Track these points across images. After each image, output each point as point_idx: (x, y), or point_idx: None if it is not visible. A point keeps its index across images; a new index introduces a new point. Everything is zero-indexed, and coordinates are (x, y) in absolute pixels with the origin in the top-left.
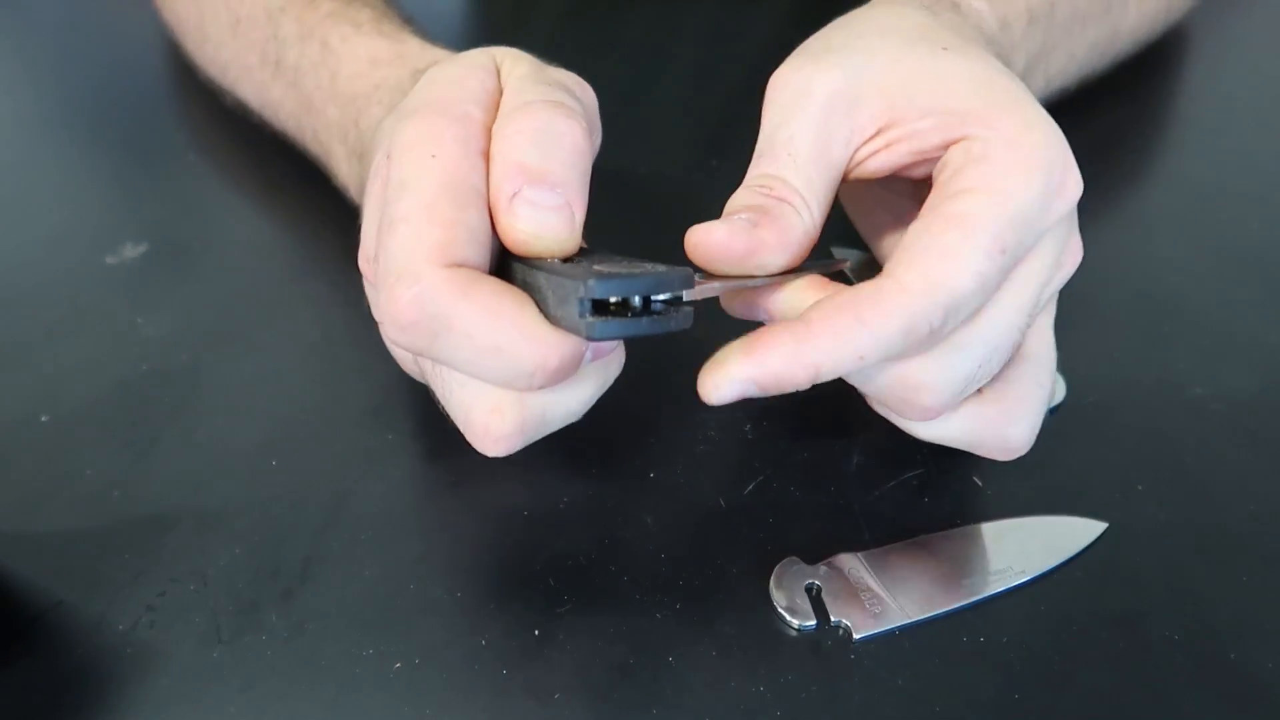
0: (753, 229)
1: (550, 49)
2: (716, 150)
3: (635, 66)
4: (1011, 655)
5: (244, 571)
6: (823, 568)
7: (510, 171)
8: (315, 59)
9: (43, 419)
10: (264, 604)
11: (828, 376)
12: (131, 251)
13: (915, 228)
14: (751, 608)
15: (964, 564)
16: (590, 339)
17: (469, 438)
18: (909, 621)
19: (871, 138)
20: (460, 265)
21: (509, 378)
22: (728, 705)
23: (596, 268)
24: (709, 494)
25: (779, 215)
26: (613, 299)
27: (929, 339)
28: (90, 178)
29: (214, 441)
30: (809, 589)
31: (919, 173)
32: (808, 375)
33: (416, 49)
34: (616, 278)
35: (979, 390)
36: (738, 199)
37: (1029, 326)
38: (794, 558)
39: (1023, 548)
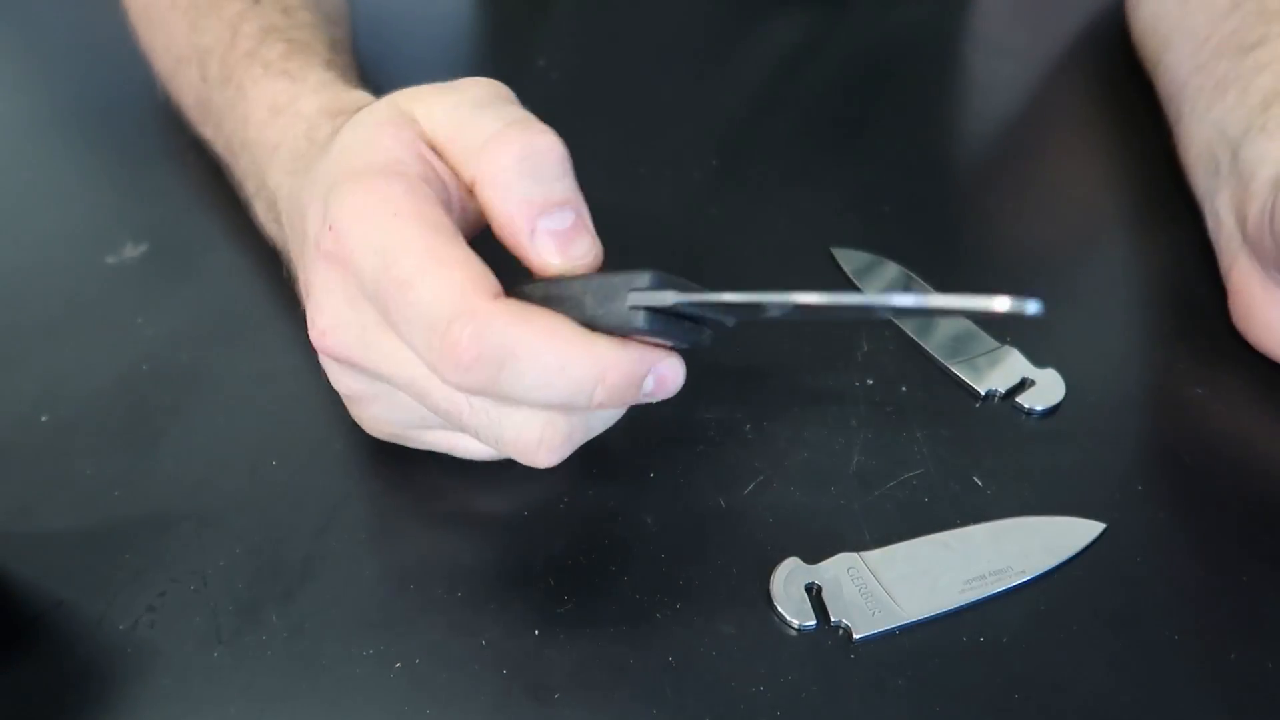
0: None
1: (555, 45)
2: (716, 150)
3: (638, 64)
4: (1011, 655)
5: (244, 571)
6: (823, 568)
7: (520, 209)
8: (232, 101)
9: (43, 419)
10: (264, 604)
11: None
12: (131, 251)
13: None
14: (751, 608)
15: (964, 564)
16: (639, 330)
17: (523, 455)
18: (909, 621)
19: None
20: (498, 296)
21: (571, 396)
22: (728, 705)
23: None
24: (709, 494)
25: None
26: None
27: None
28: (90, 178)
29: (214, 441)
30: (809, 589)
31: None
32: None
33: (310, 90)
34: (659, 273)
35: None
36: None
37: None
38: (794, 558)
39: (1023, 548)
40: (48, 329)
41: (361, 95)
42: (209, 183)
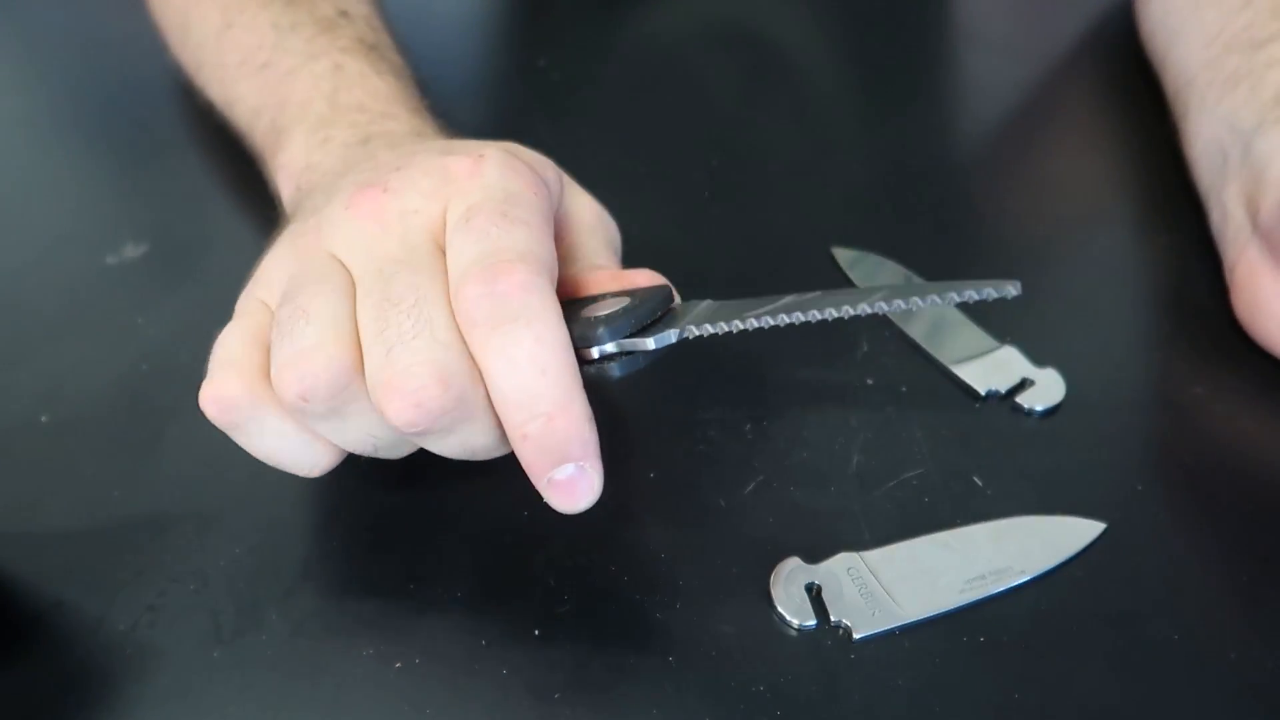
0: None
1: (555, 45)
2: (717, 150)
3: (638, 64)
4: (1011, 655)
5: (244, 571)
6: (823, 568)
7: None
8: (320, 73)
9: (43, 419)
10: (264, 604)
11: None
12: (131, 251)
13: None
14: (751, 608)
15: (964, 564)
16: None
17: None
18: (909, 621)
19: None
20: None
21: (517, 399)
22: (728, 705)
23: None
24: (709, 494)
25: None
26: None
27: None
28: (90, 178)
29: (214, 441)
30: (809, 589)
31: None
32: None
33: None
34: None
35: None
36: None
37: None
38: (794, 558)
39: (1023, 548)
40: (48, 329)
41: None
42: (209, 183)
